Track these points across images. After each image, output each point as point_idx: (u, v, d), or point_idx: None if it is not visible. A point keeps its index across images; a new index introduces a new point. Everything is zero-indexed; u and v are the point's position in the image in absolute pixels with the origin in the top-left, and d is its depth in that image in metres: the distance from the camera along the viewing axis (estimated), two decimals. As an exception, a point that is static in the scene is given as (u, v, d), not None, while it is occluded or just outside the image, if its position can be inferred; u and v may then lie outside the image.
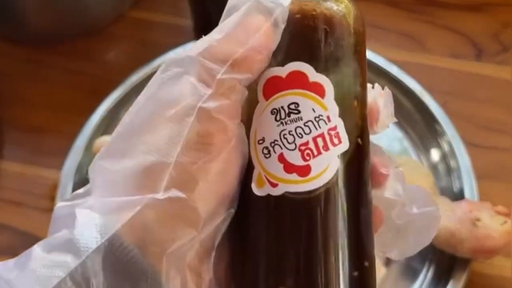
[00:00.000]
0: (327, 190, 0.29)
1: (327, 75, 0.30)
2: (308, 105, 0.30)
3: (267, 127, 0.30)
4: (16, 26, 0.75)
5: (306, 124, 0.29)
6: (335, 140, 0.30)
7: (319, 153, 0.29)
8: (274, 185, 0.29)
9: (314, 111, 0.29)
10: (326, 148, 0.29)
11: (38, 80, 0.73)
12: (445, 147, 0.64)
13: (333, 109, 0.30)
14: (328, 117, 0.30)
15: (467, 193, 0.60)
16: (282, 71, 0.30)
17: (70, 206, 0.28)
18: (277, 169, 0.29)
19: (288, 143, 0.29)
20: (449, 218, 0.54)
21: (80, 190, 0.29)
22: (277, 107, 0.30)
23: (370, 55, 0.70)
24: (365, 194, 0.31)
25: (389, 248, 0.34)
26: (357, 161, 0.31)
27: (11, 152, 0.68)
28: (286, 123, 0.29)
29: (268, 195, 0.29)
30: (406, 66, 0.71)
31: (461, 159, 0.62)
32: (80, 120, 0.66)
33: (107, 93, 0.68)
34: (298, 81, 0.30)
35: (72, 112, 0.68)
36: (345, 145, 0.30)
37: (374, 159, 0.32)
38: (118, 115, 0.68)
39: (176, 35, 0.77)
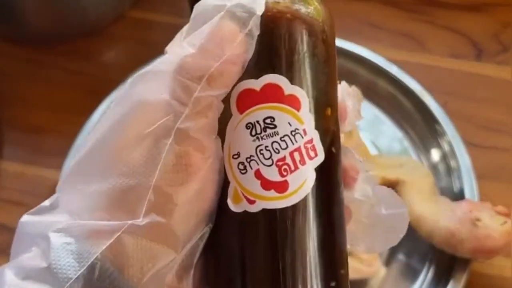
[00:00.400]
0: (304, 204, 0.29)
1: (302, 87, 0.30)
2: (284, 119, 0.29)
3: (242, 142, 0.29)
4: (16, 26, 0.75)
5: (282, 138, 0.29)
6: (311, 153, 0.29)
7: (296, 168, 0.29)
8: (251, 202, 0.29)
9: (290, 125, 0.29)
10: (303, 162, 0.29)
11: (38, 80, 0.73)
12: (445, 147, 0.64)
13: (309, 122, 0.30)
14: (304, 130, 0.29)
15: (467, 193, 0.60)
16: (257, 84, 0.29)
17: (39, 222, 0.27)
18: (254, 185, 0.29)
19: (265, 158, 0.29)
20: (449, 218, 0.54)
21: (46, 203, 0.28)
22: (252, 122, 0.29)
23: (370, 55, 0.70)
24: (338, 199, 0.31)
25: (357, 242, 0.35)
26: (332, 169, 0.31)
27: (11, 152, 0.68)
28: (262, 138, 0.29)
29: (245, 212, 0.29)
30: (406, 66, 0.71)
31: (461, 159, 0.62)
32: (80, 120, 0.66)
33: (107, 93, 0.68)
34: (273, 94, 0.29)
35: (72, 112, 0.68)
36: (320, 157, 0.30)
37: (345, 162, 0.32)
38: (118, 115, 0.68)
39: (176, 35, 0.77)
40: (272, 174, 0.29)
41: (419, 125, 0.67)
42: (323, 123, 0.30)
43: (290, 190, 0.29)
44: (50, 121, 0.68)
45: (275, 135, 0.29)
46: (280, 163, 0.29)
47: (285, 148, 0.29)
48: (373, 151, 0.64)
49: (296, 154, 0.29)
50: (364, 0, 0.80)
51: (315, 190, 0.29)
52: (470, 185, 0.61)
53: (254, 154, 0.29)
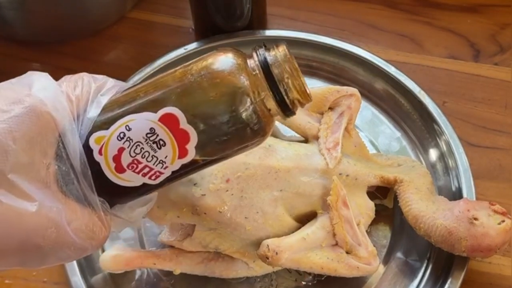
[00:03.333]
0: None
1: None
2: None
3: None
4: (18, 27, 0.75)
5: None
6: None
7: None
8: None
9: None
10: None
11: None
12: (443, 146, 0.65)
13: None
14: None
15: (464, 192, 0.60)
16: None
17: None
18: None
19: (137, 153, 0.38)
20: (447, 217, 0.55)
21: None
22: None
23: (369, 55, 0.71)
24: None
25: None
26: None
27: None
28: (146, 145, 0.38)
29: None
30: (405, 66, 0.72)
31: (459, 159, 0.63)
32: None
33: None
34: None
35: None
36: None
37: None
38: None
39: (177, 35, 0.77)
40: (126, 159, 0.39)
41: (418, 125, 0.68)
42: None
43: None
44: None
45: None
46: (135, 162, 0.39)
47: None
48: (371, 151, 0.64)
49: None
50: (363, 1, 0.80)
51: None
52: (467, 184, 0.61)
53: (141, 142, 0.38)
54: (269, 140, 0.57)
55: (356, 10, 0.79)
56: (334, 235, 0.55)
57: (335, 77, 0.72)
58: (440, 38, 0.76)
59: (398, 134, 0.68)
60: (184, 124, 0.38)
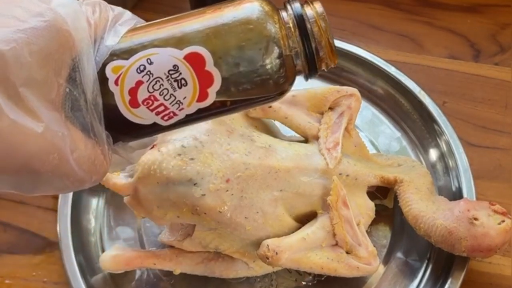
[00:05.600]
0: None
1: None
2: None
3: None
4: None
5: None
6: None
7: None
8: None
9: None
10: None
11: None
12: (444, 146, 0.65)
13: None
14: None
15: (465, 192, 0.60)
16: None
17: None
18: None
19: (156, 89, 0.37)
20: (447, 217, 0.55)
21: None
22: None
23: (369, 55, 0.71)
24: None
25: None
26: None
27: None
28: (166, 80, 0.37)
29: None
30: (405, 66, 0.72)
31: (459, 159, 0.63)
32: (82, 120, 0.66)
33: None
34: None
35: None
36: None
37: None
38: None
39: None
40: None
41: (418, 125, 0.68)
42: None
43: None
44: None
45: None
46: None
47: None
48: (371, 151, 0.64)
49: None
50: (363, 2, 0.80)
51: None
52: (467, 185, 0.61)
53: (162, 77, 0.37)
54: (269, 140, 0.57)
55: (356, 10, 0.80)
56: (334, 235, 0.55)
57: (335, 77, 0.72)
58: (440, 38, 0.76)
59: (398, 134, 0.68)
60: (210, 66, 0.37)
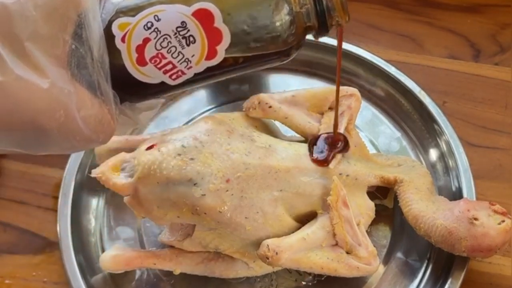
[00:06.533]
0: None
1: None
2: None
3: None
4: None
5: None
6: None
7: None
8: None
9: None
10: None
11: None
12: (444, 146, 0.65)
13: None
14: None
15: (465, 193, 0.60)
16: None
17: None
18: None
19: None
20: (447, 217, 0.55)
21: None
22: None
23: (369, 55, 0.71)
24: None
25: None
26: None
27: (13, 151, 0.68)
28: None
29: None
30: (405, 66, 0.72)
31: (459, 159, 0.63)
32: (82, 120, 0.66)
33: (109, 93, 0.68)
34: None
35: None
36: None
37: None
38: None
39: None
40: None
41: (418, 125, 0.68)
42: None
43: None
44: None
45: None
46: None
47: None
48: (371, 151, 0.64)
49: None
50: (363, 1, 0.80)
51: None
52: (467, 185, 0.61)
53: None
54: (269, 140, 0.57)
55: (356, 10, 0.79)
56: (334, 235, 0.55)
57: (335, 77, 0.72)
58: (440, 38, 0.76)
59: (398, 134, 0.68)
60: (219, 22, 0.36)
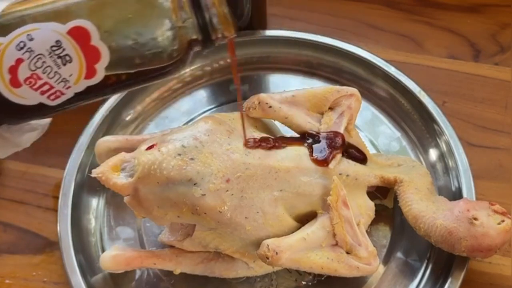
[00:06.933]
0: None
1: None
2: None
3: None
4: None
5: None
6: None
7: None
8: None
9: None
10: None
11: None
12: (443, 146, 0.65)
13: None
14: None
15: (464, 193, 0.60)
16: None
17: None
18: None
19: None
20: (446, 217, 0.55)
21: None
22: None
23: (369, 55, 0.71)
24: None
25: None
26: None
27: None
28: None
29: None
30: (405, 66, 0.72)
31: (459, 159, 0.63)
32: (83, 120, 0.66)
33: (109, 93, 0.68)
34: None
35: (75, 112, 0.68)
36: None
37: None
38: (120, 114, 0.68)
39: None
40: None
41: (418, 125, 0.68)
42: None
43: None
44: (53, 120, 0.68)
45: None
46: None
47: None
48: (371, 151, 0.64)
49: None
50: (363, 1, 0.80)
51: None
52: (467, 185, 0.61)
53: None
54: (269, 140, 0.57)
55: (356, 10, 0.80)
56: (334, 235, 0.55)
57: (335, 77, 0.72)
58: (440, 38, 0.76)
59: (398, 134, 0.68)
60: (96, 40, 0.35)
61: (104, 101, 0.67)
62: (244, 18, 0.72)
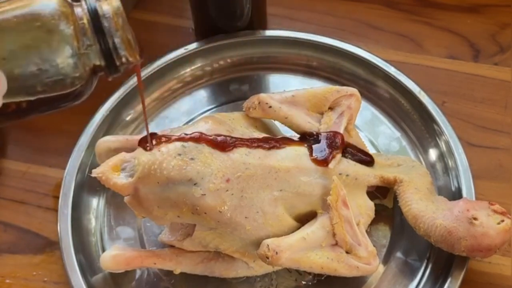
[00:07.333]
0: None
1: None
2: None
3: None
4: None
5: None
6: None
7: None
8: None
9: None
10: None
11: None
12: (443, 146, 0.65)
13: None
14: None
15: (464, 192, 0.60)
16: None
17: None
18: None
19: None
20: (446, 217, 0.55)
21: None
22: None
23: (368, 55, 0.71)
24: None
25: None
26: None
27: (14, 151, 0.68)
28: None
29: None
30: (405, 66, 0.72)
31: (458, 159, 0.63)
32: (83, 120, 0.66)
33: (109, 93, 0.68)
34: None
35: (74, 112, 0.68)
36: None
37: None
38: (120, 114, 0.69)
39: (177, 36, 0.77)
40: None
41: (417, 125, 0.68)
42: None
43: None
44: (53, 120, 0.69)
45: None
46: None
47: None
48: (371, 151, 0.64)
49: None
50: (363, 1, 0.80)
51: None
52: (467, 185, 0.61)
53: None
54: (269, 140, 0.57)
55: (355, 10, 0.80)
56: (334, 235, 0.55)
57: (335, 77, 0.72)
58: (440, 38, 0.76)
59: (398, 134, 0.68)
60: None
61: (104, 101, 0.67)
62: (244, 18, 0.72)
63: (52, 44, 0.35)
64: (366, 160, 0.60)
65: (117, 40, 0.37)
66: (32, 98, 0.35)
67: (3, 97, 0.34)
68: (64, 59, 0.35)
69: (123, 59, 0.38)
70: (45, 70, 0.35)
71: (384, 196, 0.62)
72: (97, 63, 0.37)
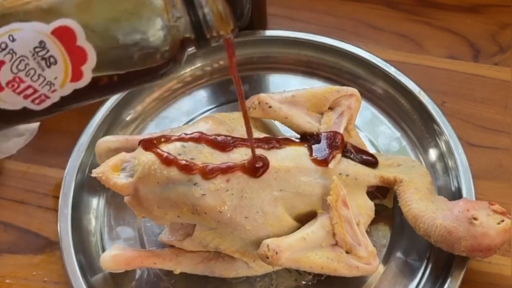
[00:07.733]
0: None
1: None
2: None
3: None
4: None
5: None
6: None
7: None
8: None
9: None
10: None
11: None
12: (443, 146, 0.65)
13: None
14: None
15: (464, 192, 0.60)
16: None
17: None
18: None
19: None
20: (446, 217, 0.55)
21: None
22: None
23: (368, 55, 0.71)
24: None
25: None
26: None
27: (14, 151, 0.68)
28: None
29: None
30: (405, 66, 0.72)
31: (458, 159, 0.63)
32: (83, 119, 0.66)
33: (109, 93, 0.68)
34: None
35: (74, 112, 0.68)
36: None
37: None
38: (121, 114, 0.69)
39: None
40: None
41: (417, 125, 0.68)
42: None
43: None
44: (53, 120, 0.68)
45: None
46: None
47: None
48: (372, 151, 0.64)
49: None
50: (363, 1, 0.80)
51: None
52: (467, 185, 0.61)
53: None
54: (269, 140, 0.57)
55: (355, 10, 0.80)
56: (334, 235, 0.55)
57: (335, 77, 0.72)
58: (440, 38, 0.76)
59: (398, 134, 0.68)
60: (82, 41, 0.33)
61: (104, 101, 0.67)
62: (244, 18, 0.72)
63: (142, 16, 0.34)
64: (371, 161, 0.60)
65: (207, 12, 0.36)
66: (121, 72, 0.34)
67: (93, 70, 0.34)
68: (153, 31, 0.34)
69: (214, 32, 0.37)
70: (135, 43, 0.34)
71: (384, 196, 0.62)
72: (187, 35, 0.36)
